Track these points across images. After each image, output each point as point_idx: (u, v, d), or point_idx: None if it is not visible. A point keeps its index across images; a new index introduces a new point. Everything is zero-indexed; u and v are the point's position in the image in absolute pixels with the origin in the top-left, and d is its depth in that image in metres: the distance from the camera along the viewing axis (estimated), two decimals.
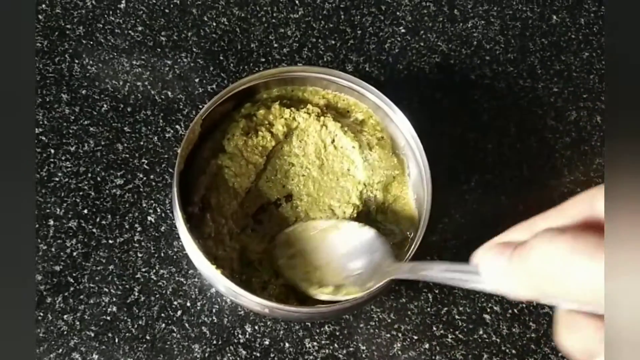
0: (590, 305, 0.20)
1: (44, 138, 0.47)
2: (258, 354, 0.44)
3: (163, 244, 0.46)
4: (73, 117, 0.48)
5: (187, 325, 0.44)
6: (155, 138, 0.49)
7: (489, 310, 0.47)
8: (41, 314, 0.43)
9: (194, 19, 0.54)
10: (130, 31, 0.52)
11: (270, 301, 0.37)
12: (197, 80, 0.51)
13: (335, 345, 0.44)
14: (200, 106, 0.49)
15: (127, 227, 0.46)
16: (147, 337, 0.43)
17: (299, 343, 0.44)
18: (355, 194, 0.44)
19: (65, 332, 0.42)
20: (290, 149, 0.45)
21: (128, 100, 0.50)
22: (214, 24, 0.54)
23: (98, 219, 0.46)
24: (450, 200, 0.50)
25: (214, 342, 0.44)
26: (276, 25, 0.54)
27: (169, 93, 0.50)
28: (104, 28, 0.52)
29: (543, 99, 0.55)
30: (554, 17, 0.58)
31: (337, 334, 0.45)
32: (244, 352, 0.43)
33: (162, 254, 0.45)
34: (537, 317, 0.47)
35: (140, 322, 0.43)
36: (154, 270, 0.45)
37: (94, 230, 0.45)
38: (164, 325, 0.44)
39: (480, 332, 0.46)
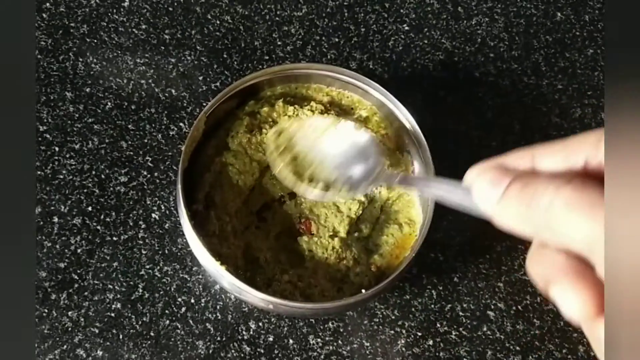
0: (579, 252, 0.21)
1: (48, 136, 0.48)
2: (262, 351, 0.44)
3: (167, 241, 0.46)
4: (77, 115, 0.49)
5: (191, 321, 0.44)
6: (160, 136, 0.49)
7: (492, 307, 0.46)
8: (46, 311, 0.43)
9: (198, 17, 0.54)
10: (134, 29, 0.52)
11: (275, 297, 0.37)
12: (200, 78, 0.51)
13: (339, 341, 0.44)
14: (204, 104, 0.49)
15: (131, 224, 0.46)
16: (152, 334, 0.43)
17: (303, 339, 0.44)
18: None
19: (69, 329, 0.43)
20: None
21: (132, 98, 0.50)
22: (218, 22, 0.54)
23: (102, 216, 0.46)
24: None
25: (218, 338, 0.44)
26: (280, 23, 0.54)
27: (173, 91, 0.50)
28: (107, 26, 0.52)
29: (547, 96, 0.54)
30: (558, 14, 0.58)
31: (341, 330, 0.45)
32: (248, 349, 0.44)
33: (166, 251, 0.45)
34: (542, 314, 0.47)
35: (144, 319, 0.44)
36: (158, 267, 0.45)
37: (98, 227, 0.45)
38: (168, 321, 0.44)
39: (484, 329, 0.46)
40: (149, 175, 0.47)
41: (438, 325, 0.46)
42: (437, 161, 0.42)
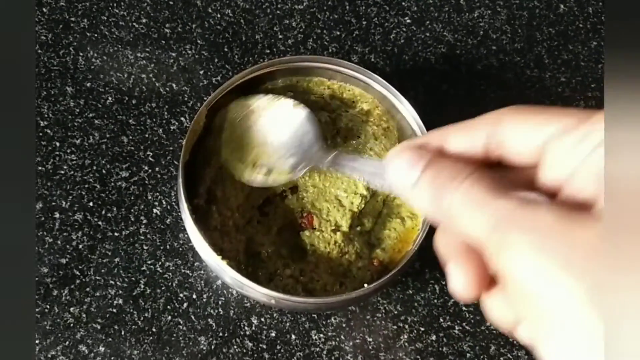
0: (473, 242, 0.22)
1: (48, 131, 0.47)
2: (264, 346, 0.43)
3: (169, 236, 0.45)
4: (78, 110, 0.48)
5: (193, 317, 0.44)
6: (160, 130, 0.49)
7: None
8: (47, 307, 0.43)
9: (198, 11, 0.53)
10: (134, 23, 0.52)
11: (277, 292, 0.37)
12: (201, 72, 0.51)
13: (342, 336, 0.44)
14: (205, 98, 0.49)
15: (132, 219, 0.46)
16: (153, 330, 0.43)
17: (306, 335, 0.44)
18: (362, 185, 0.44)
19: (71, 325, 0.42)
20: None
21: (133, 92, 0.50)
22: (218, 15, 0.53)
23: (103, 212, 0.46)
24: None
25: (220, 334, 0.43)
26: (281, 17, 0.54)
27: (174, 85, 0.50)
28: (108, 20, 0.52)
29: (550, 89, 0.54)
30: (562, 6, 0.58)
31: (344, 325, 0.45)
32: (250, 344, 0.43)
33: (168, 247, 0.45)
34: None
35: (146, 315, 0.43)
36: (160, 263, 0.45)
37: (100, 222, 0.45)
38: (170, 317, 0.43)
39: (488, 324, 0.46)
40: (150, 170, 0.47)
41: (441, 320, 0.46)
42: None
